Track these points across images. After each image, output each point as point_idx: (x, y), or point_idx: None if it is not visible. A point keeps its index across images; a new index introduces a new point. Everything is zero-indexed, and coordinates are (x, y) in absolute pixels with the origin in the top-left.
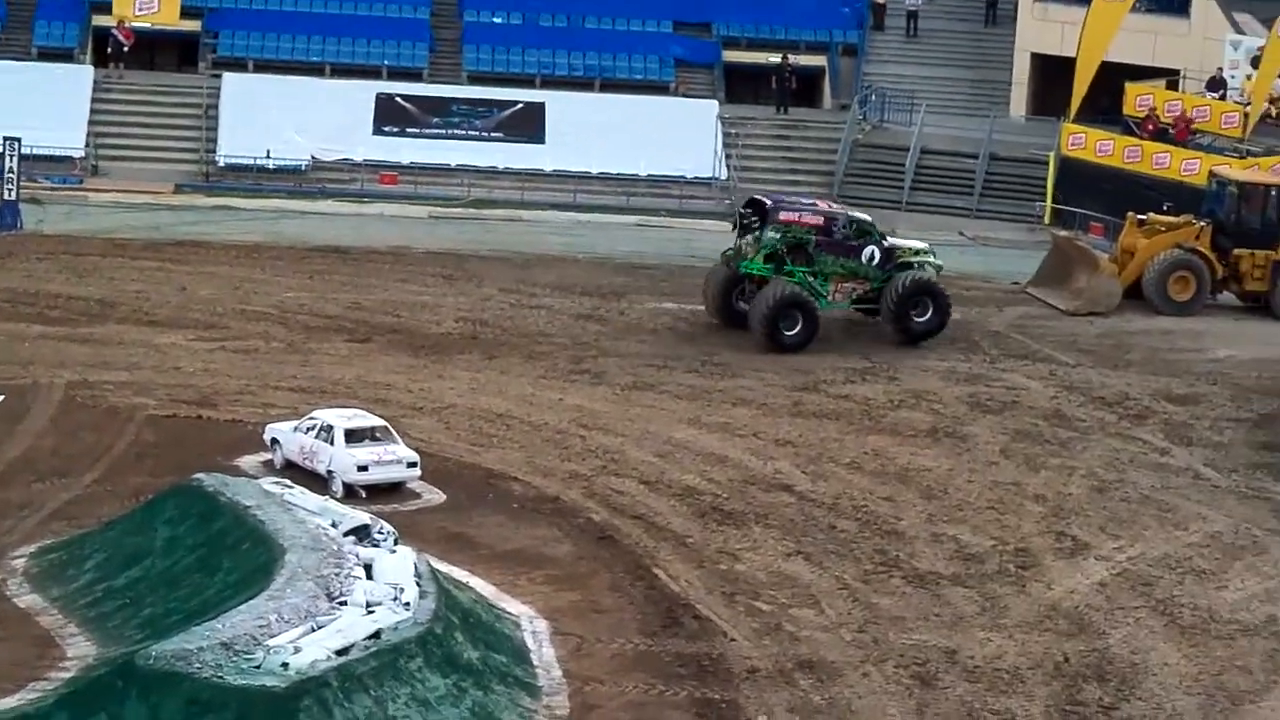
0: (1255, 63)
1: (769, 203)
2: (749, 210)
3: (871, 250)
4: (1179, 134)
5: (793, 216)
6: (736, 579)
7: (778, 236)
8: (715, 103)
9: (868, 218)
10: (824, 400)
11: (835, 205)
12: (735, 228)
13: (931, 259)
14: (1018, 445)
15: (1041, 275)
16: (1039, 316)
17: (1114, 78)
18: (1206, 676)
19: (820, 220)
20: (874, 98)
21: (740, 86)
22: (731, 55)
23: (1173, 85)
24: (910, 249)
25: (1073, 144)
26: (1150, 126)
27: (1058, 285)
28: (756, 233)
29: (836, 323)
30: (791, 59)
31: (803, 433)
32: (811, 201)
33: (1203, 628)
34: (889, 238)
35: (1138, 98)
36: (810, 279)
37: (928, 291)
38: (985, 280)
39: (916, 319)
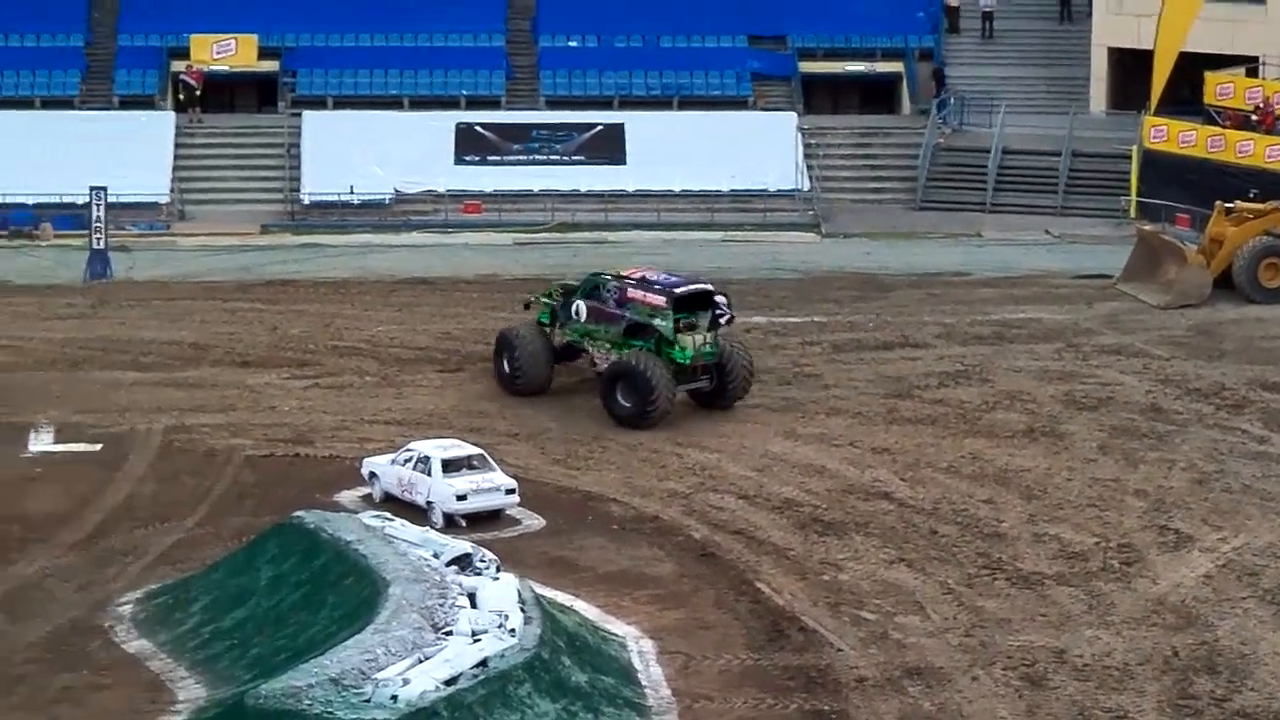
0: None
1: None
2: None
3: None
4: (1266, 121)
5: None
6: (840, 589)
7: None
8: (794, 114)
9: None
10: (919, 406)
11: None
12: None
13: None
14: (1116, 441)
15: (1130, 270)
16: (1130, 311)
17: (1193, 68)
18: None
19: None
20: (953, 101)
21: (818, 97)
22: (808, 66)
23: (1252, 72)
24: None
25: (1155, 136)
26: (1236, 115)
27: (1147, 279)
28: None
29: (929, 327)
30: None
31: (899, 439)
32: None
33: None
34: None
35: (1218, 87)
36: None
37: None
38: (1073, 277)
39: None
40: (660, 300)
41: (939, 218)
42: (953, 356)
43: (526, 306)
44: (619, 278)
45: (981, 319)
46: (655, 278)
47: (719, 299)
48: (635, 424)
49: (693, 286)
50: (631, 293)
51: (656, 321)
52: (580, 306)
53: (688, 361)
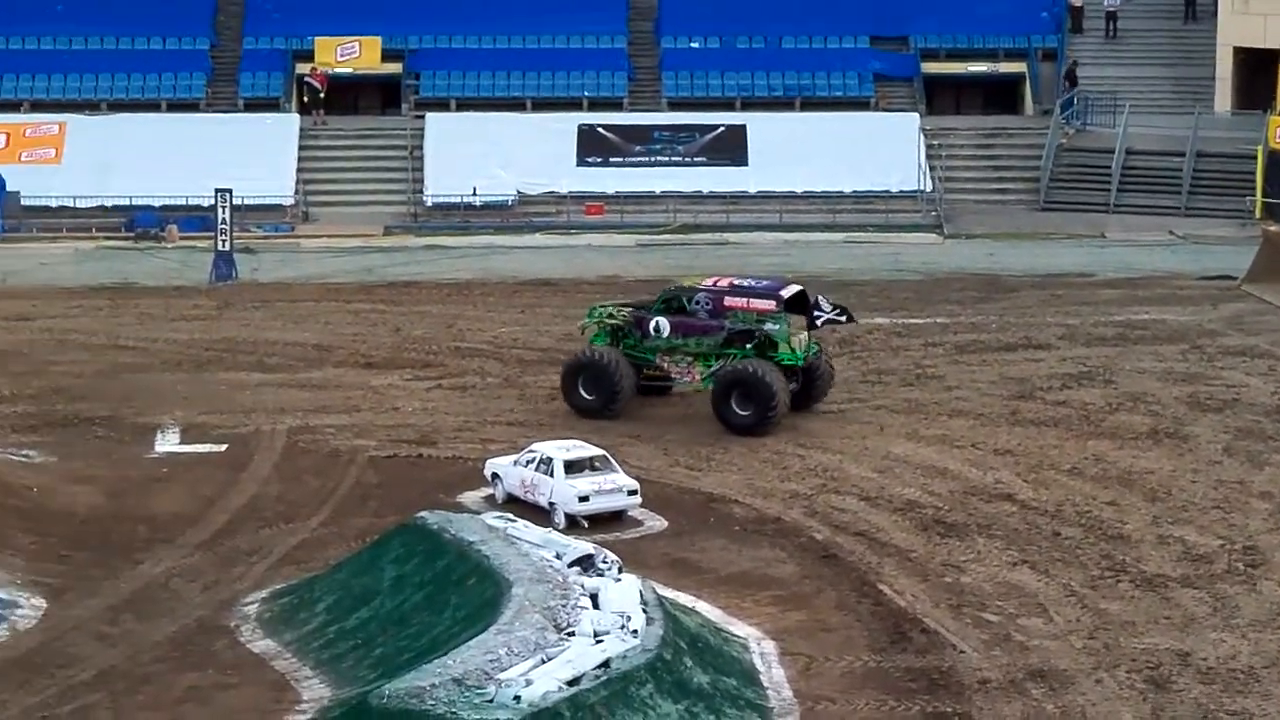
0: None
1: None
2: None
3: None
4: None
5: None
6: (962, 591)
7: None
8: (916, 115)
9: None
10: (1041, 407)
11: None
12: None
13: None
14: (1240, 443)
15: (1256, 271)
16: (1255, 313)
17: None
18: None
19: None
20: (1076, 101)
21: (941, 98)
22: (930, 67)
23: None
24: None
25: None
26: None
27: (1273, 280)
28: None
29: (1052, 329)
30: None
31: (1022, 441)
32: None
33: None
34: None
35: None
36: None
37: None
38: (1197, 279)
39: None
40: (770, 304)
41: (1062, 218)
42: (1076, 358)
43: (583, 331)
44: (702, 290)
45: (1105, 320)
46: (746, 284)
47: (822, 300)
48: (753, 431)
49: (794, 288)
50: (730, 301)
51: (767, 326)
52: (661, 323)
53: (800, 363)
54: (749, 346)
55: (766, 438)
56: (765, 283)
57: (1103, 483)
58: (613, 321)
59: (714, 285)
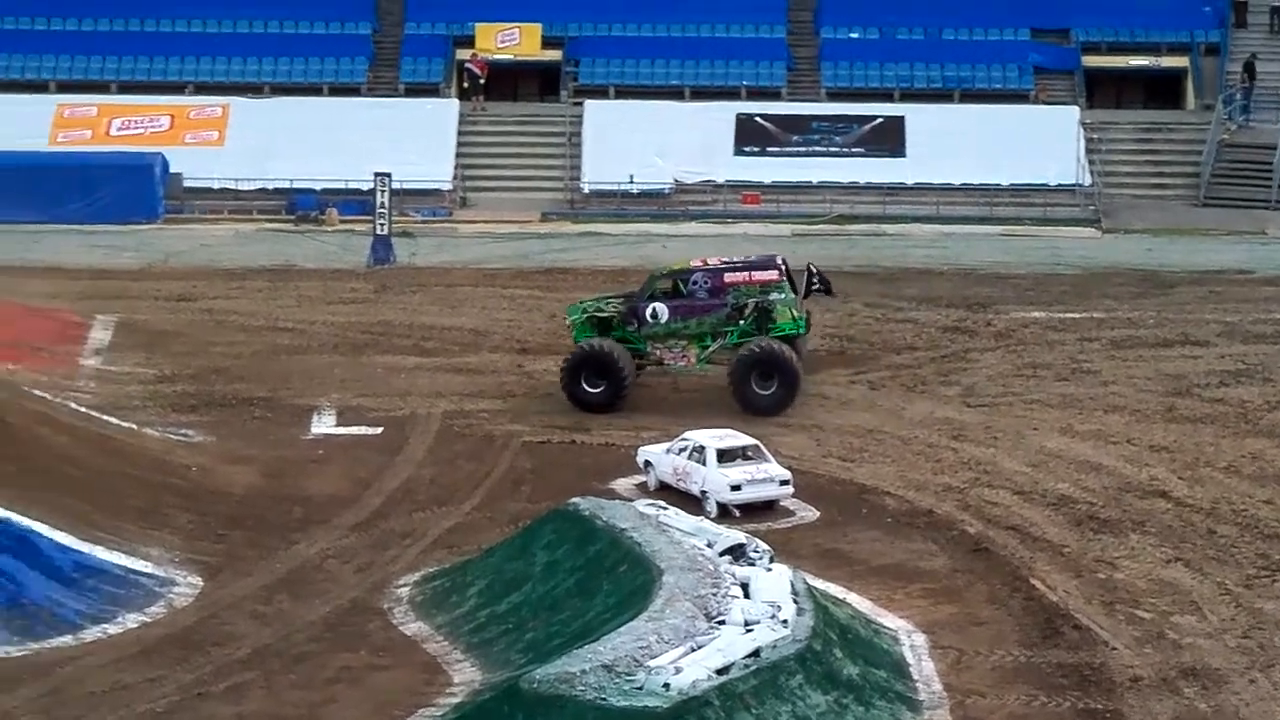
0: None
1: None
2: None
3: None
4: None
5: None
6: (1115, 587)
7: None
8: (1076, 109)
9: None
10: (1198, 405)
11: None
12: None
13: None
14: None
15: None
16: None
17: None
18: None
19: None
20: (1247, 95)
21: (1101, 91)
22: (1091, 60)
23: None
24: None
25: None
26: None
27: None
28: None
29: (1210, 325)
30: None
31: (1177, 438)
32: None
33: None
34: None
35: None
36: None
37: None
38: None
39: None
40: (773, 275)
41: (1223, 214)
42: (1234, 355)
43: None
44: (699, 269)
45: (1264, 318)
46: (739, 260)
47: (812, 266)
48: (775, 411)
49: (780, 257)
50: (731, 277)
51: (773, 296)
52: (659, 308)
53: (803, 331)
54: (745, 321)
55: (918, 429)
56: (752, 257)
57: (1259, 481)
58: (603, 314)
59: (704, 265)
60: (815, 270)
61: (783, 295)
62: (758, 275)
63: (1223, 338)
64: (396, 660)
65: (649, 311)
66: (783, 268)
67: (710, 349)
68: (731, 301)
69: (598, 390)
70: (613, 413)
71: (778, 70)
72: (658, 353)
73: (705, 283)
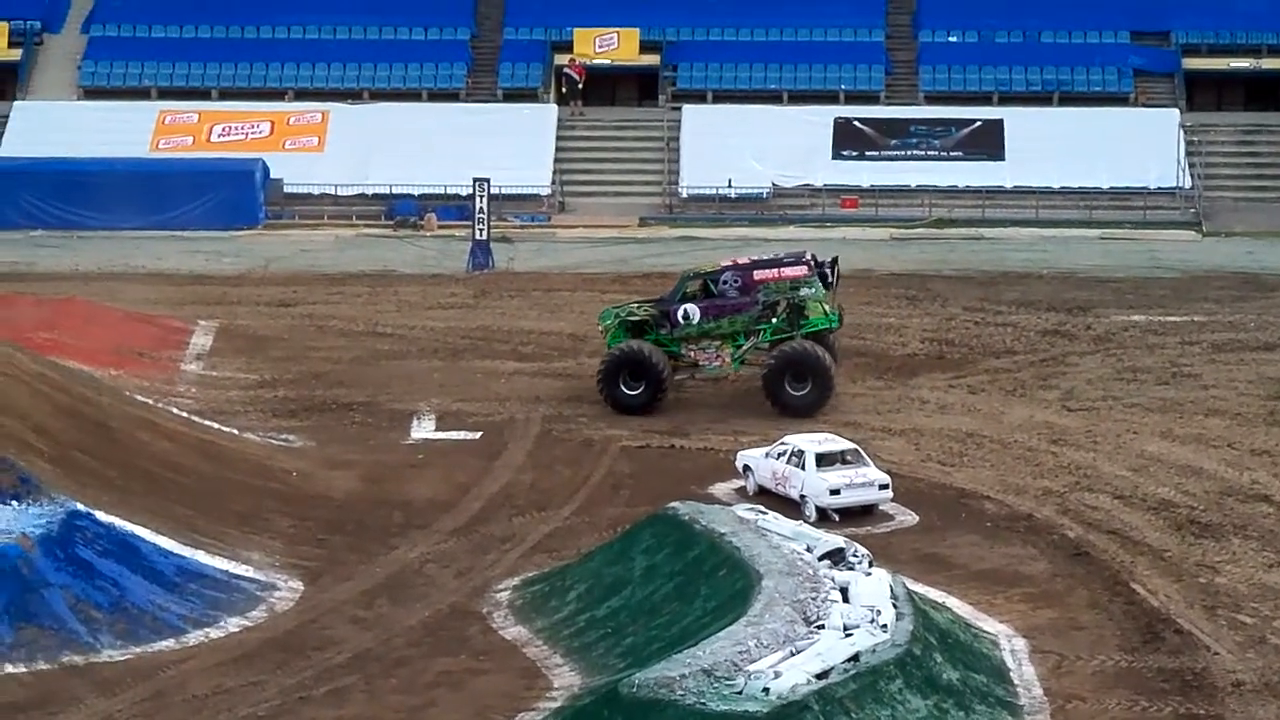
0: None
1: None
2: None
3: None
4: None
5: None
6: (1217, 592)
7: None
8: (1176, 111)
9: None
10: None
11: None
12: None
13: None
14: None
15: None
16: None
17: None
18: None
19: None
20: None
21: (1201, 94)
22: (1191, 63)
23: None
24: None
25: None
26: None
27: None
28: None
29: None
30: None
31: (1279, 442)
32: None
33: None
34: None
35: None
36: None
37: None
38: None
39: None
40: (802, 270)
41: None
42: None
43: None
44: (728, 268)
45: None
46: (766, 258)
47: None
48: (810, 412)
49: (809, 253)
50: (761, 274)
51: (804, 291)
52: (690, 309)
53: (837, 325)
54: (778, 319)
55: (1018, 433)
56: (779, 255)
57: None
58: (635, 318)
59: (733, 265)
60: (820, 261)
61: (813, 290)
62: (787, 271)
63: None
64: (496, 665)
65: (680, 313)
66: (812, 263)
67: (744, 348)
68: (762, 299)
69: (636, 391)
70: (651, 414)
71: (876, 74)
72: (692, 354)
73: (735, 281)
